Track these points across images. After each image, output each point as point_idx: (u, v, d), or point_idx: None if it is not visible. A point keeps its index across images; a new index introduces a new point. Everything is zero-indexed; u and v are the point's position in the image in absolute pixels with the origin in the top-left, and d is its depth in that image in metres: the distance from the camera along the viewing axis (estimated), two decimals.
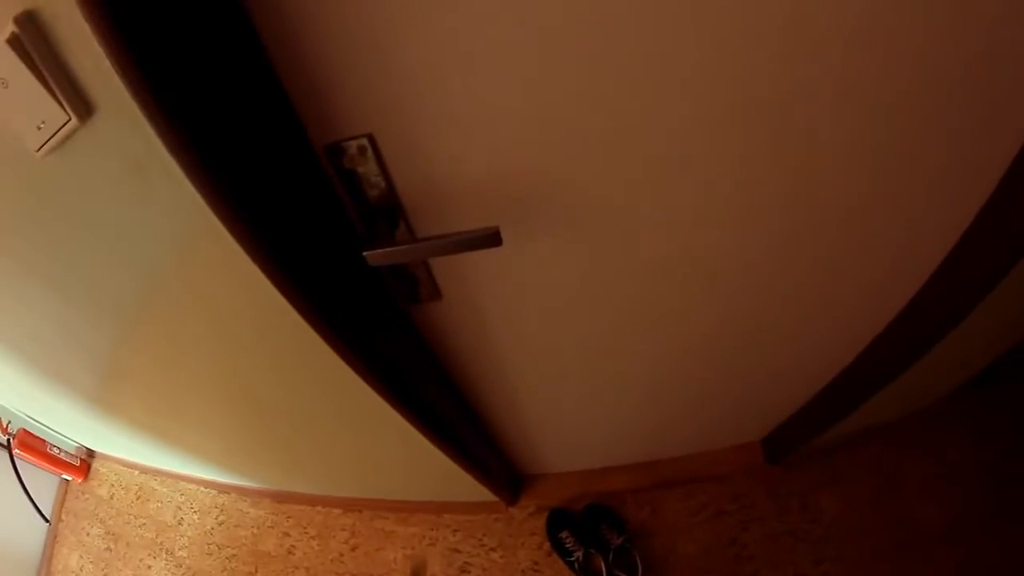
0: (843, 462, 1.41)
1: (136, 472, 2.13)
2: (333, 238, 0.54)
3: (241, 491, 1.78)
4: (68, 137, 0.44)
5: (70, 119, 0.42)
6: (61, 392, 1.33)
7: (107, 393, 1.25)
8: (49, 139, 0.44)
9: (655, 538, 1.42)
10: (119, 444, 1.89)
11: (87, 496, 2.19)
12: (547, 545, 1.42)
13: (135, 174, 0.47)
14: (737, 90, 0.46)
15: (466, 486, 1.30)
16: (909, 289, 0.79)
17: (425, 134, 0.48)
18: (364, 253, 0.51)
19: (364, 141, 0.47)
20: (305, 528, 1.67)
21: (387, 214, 0.54)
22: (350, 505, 1.58)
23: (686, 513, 1.44)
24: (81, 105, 0.42)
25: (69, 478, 2.22)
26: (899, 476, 1.36)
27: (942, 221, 0.65)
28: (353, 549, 1.58)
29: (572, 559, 1.38)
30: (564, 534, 1.40)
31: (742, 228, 0.63)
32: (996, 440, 1.36)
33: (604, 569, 1.36)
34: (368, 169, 0.49)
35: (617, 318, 0.82)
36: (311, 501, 1.65)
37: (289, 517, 1.69)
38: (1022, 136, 0.51)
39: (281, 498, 1.70)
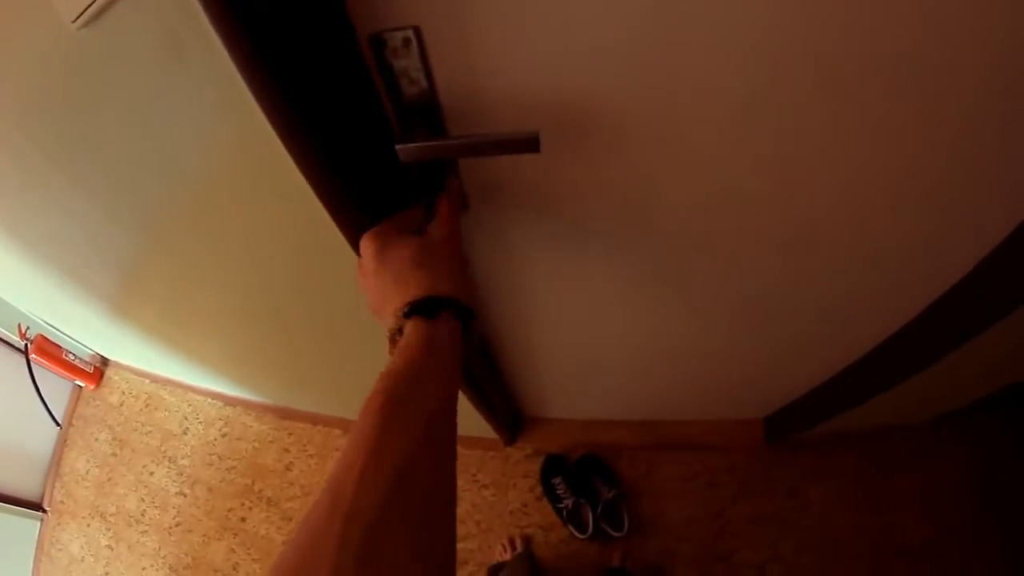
0: (838, 458, 1.42)
1: (147, 381, 2.18)
2: (370, 134, 0.52)
3: (246, 404, 1.82)
4: (105, 7, 0.42)
5: None
6: (80, 296, 1.34)
7: (125, 297, 1.26)
8: (86, 8, 0.41)
9: (645, 498, 1.44)
10: (133, 352, 1.95)
11: (98, 403, 2.26)
12: (539, 489, 1.44)
13: (172, 49, 0.45)
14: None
15: (470, 420, 1.32)
16: (938, 288, 0.77)
17: (476, 35, 0.45)
18: (396, 147, 0.49)
19: (409, 33, 0.45)
20: (304, 446, 1.71)
21: (425, 114, 0.52)
22: (351, 427, 1.61)
23: (679, 478, 1.45)
24: None
25: (82, 384, 2.28)
26: (888, 484, 1.37)
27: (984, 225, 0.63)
28: None
29: (561, 506, 1.41)
30: (557, 480, 1.42)
31: (797, 192, 0.60)
32: (989, 466, 1.34)
33: (591, 520, 1.39)
34: (410, 64, 0.47)
35: (644, 268, 0.81)
36: (313, 420, 1.68)
37: (290, 434, 1.74)
38: None
39: (284, 414, 1.74)
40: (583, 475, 1.43)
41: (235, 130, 0.53)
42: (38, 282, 1.31)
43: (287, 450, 1.72)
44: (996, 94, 0.44)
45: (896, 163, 0.54)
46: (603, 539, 1.39)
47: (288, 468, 1.71)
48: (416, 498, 0.28)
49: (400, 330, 0.38)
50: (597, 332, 1.04)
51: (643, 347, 1.10)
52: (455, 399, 0.36)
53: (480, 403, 1.18)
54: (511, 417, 1.44)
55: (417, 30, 0.45)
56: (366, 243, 0.44)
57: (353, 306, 0.73)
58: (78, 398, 2.30)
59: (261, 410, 1.81)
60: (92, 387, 2.27)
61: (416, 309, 0.38)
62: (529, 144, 0.47)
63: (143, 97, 0.53)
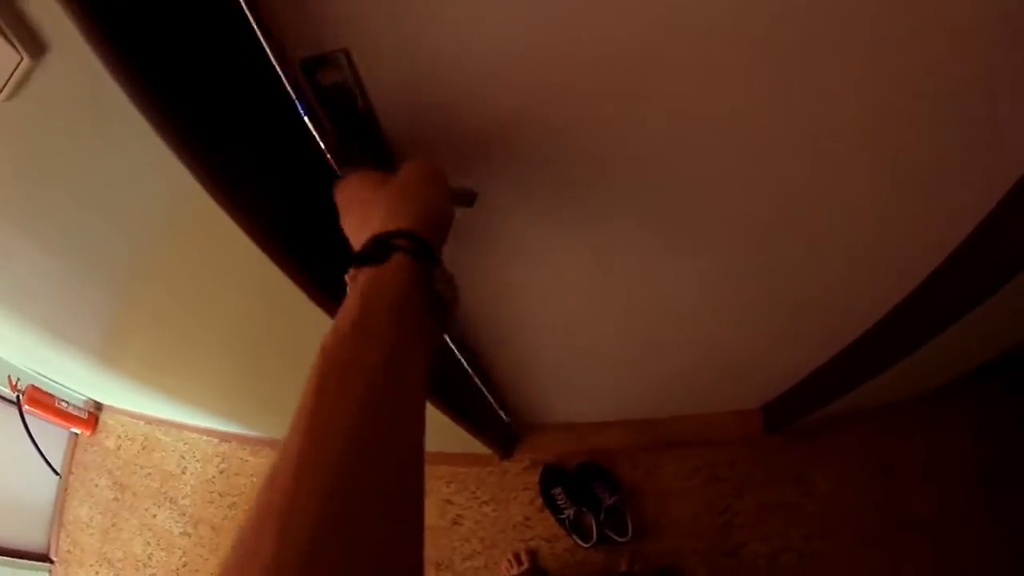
0: (841, 439, 1.40)
1: (142, 423, 2.16)
2: (304, 170, 0.51)
3: (241, 439, 1.81)
4: (24, 79, 0.42)
5: (23, 59, 0.40)
6: (64, 348, 1.33)
7: (107, 347, 1.26)
8: (6, 83, 0.42)
9: (647, 499, 1.42)
10: (124, 396, 1.93)
11: (95, 448, 2.24)
12: (539, 500, 1.43)
13: (95, 110, 0.45)
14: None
15: (461, 438, 1.30)
16: (925, 269, 0.76)
17: (407, 51, 0.43)
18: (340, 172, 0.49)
19: (340, 55, 0.43)
20: None
21: (366, 138, 0.50)
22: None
23: (681, 476, 1.43)
24: (32, 43, 0.39)
25: (78, 431, 2.25)
26: (895, 461, 1.35)
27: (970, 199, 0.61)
28: None
29: (563, 516, 1.39)
30: (557, 490, 1.40)
31: (780, 174, 0.59)
32: (992, 433, 1.34)
33: (594, 528, 1.37)
34: (345, 82, 0.45)
35: (628, 274, 0.81)
36: None
37: None
38: None
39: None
40: (583, 483, 1.41)
41: (168, 185, 0.51)
42: (21, 336, 1.30)
43: None
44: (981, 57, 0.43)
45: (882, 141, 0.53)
46: (609, 545, 1.38)
47: None
48: (363, 496, 0.22)
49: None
50: (587, 328, 1.02)
51: (632, 344, 1.09)
52: (413, 353, 0.29)
53: (470, 423, 1.17)
54: (504, 431, 1.42)
55: (347, 52, 0.43)
56: (336, 189, 0.41)
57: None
58: (75, 445, 2.28)
59: (256, 444, 1.79)
60: (88, 433, 2.25)
61: (361, 256, 0.32)
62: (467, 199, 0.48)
63: (78, 158, 0.53)
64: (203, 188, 0.43)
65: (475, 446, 1.37)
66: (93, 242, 0.70)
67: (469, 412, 1.14)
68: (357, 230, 0.36)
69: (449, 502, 1.45)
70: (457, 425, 1.13)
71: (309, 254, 0.53)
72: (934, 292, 0.78)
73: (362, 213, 0.37)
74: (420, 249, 0.32)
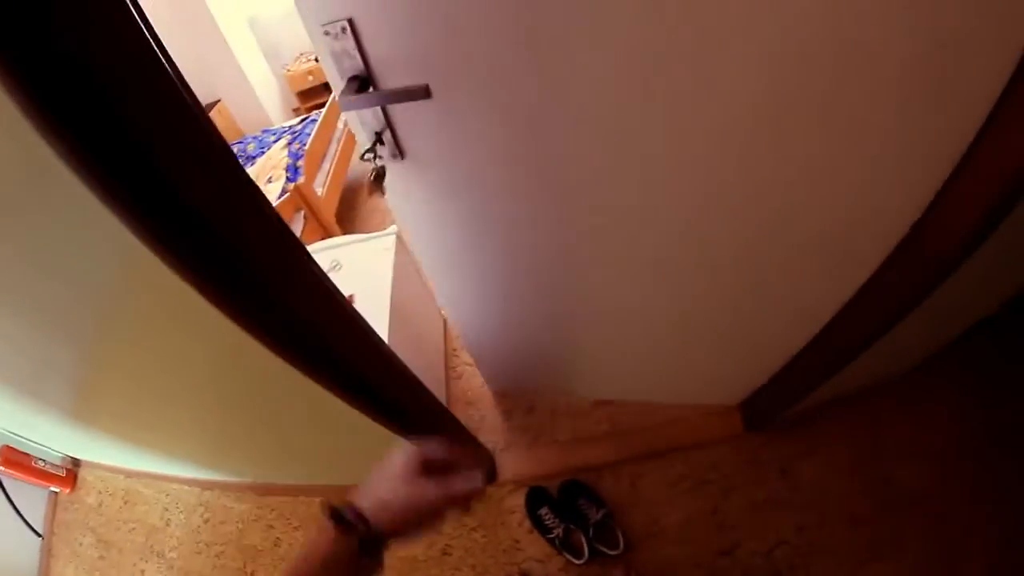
0: (822, 428, 1.41)
1: (121, 476, 2.11)
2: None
3: (224, 487, 1.77)
4: None
5: None
6: (37, 407, 1.32)
7: (80, 405, 1.24)
8: None
9: (635, 511, 1.41)
10: (102, 452, 1.88)
11: (76, 506, 2.17)
12: (528, 523, 1.41)
13: (37, 177, 0.44)
14: None
15: None
16: (887, 245, 0.77)
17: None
18: (338, 99, 0.63)
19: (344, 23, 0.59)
20: (288, 519, 1.66)
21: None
22: (331, 495, 1.57)
23: (665, 484, 1.43)
24: None
25: (57, 490, 2.18)
26: (878, 440, 1.36)
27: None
28: None
29: (552, 536, 1.38)
30: (543, 511, 1.39)
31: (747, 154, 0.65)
32: (974, 399, 1.36)
33: (585, 544, 1.36)
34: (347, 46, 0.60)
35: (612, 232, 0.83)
36: (293, 492, 1.64)
37: (272, 509, 1.69)
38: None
39: (263, 491, 1.69)
40: (568, 501, 1.40)
41: (118, 249, 0.51)
42: None
43: (271, 526, 1.67)
44: None
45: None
46: (601, 560, 1.36)
47: (276, 544, 1.66)
48: None
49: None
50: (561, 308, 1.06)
51: (610, 321, 1.12)
52: None
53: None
54: (486, 460, 1.41)
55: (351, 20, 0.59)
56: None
57: (289, 386, 0.74)
58: (56, 504, 2.21)
59: (239, 490, 1.76)
60: (67, 491, 2.18)
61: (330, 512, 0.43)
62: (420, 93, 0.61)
63: (26, 224, 0.52)
64: (152, 252, 0.44)
65: None
66: (53, 304, 0.69)
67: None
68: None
69: (437, 532, 1.42)
70: None
71: (260, 307, 0.55)
72: (887, 281, 0.79)
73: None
74: (341, 520, 0.43)
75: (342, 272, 1.40)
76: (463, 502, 0.47)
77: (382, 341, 0.84)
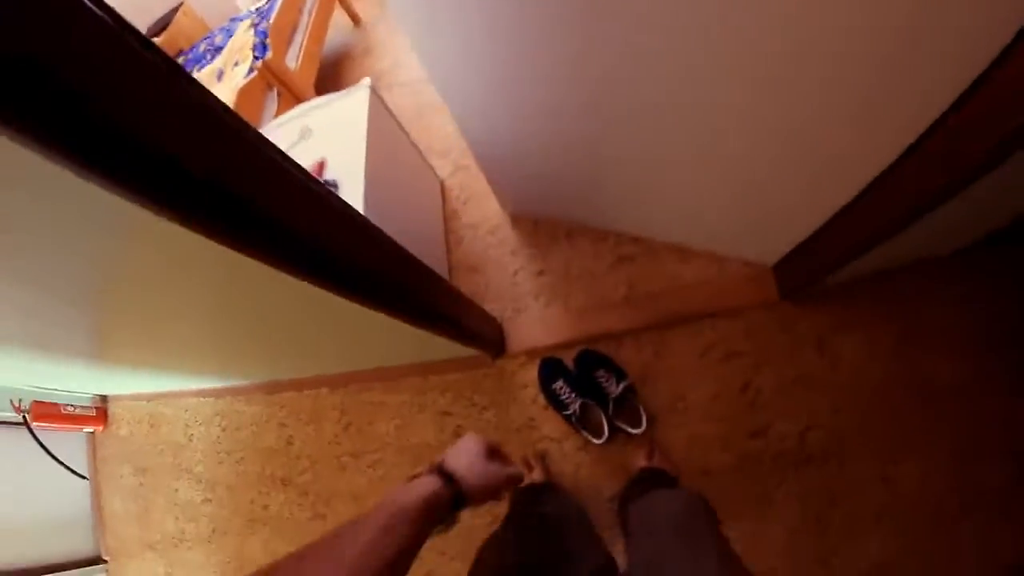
0: (863, 304, 1.27)
1: (144, 402, 2.14)
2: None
3: (235, 392, 1.75)
4: None
5: None
6: (59, 359, 1.36)
7: (94, 346, 1.27)
8: None
9: (659, 383, 1.30)
10: (125, 383, 1.92)
11: (111, 441, 2.23)
12: (542, 398, 1.32)
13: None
14: None
15: (444, 346, 1.21)
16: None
17: None
18: None
19: None
20: (299, 416, 1.62)
21: None
22: (336, 382, 1.52)
23: (693, 354, 1.30)
24: None
25: (91, 430, 2.23)
26: (920, 325, 1.23)
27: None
28: (346, 428, 1.52)
29: (569, 412, 1.27)
30: (559, 384, 1.29)
31: None
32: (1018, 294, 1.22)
33: (604, 422, 1.25)
34: None
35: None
36: (299, 386, 1.59)
37: (282, 407, 1.65)
38: None
39: (271, 389, 1.66)
40: (585, 373, 1.29)
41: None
42: (10, 360, 1.32)
43: (284, 424, 1.64)
44: None
45: None
46: (623, 439, 1.26)
47: (290, 443, 1.63)
48: None
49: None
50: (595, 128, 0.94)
51: (645, 149, 1.01)
52: (398, 544, 0.42)
53: (448, 328, 1.05)
54: (492, 330, 1.31)
55: None
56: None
57: (275, 283, 0.68)
58: (93, 444, 2.27)
59: (249, 392, 1.73)
60: (101, 429, 2.23)
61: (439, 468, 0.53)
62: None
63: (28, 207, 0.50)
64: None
65: (462, 350, 1.27)
66: (53, 270, 0.70)
67: (441, 315, 1.02)
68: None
69: (447, 413, 1.35)
70: (434, 334, 1.02)
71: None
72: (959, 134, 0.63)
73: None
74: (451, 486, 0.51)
75: (313, 139, 1.29)
76: (512, 484, 0.59)
77: (352, 210, 0.72)
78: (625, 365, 1.29)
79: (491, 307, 1.36)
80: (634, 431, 1.24)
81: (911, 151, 0.75)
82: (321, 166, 1.24)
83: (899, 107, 0.70)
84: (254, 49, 1.75)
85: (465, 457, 0.55)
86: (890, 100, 0.69)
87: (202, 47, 2.16)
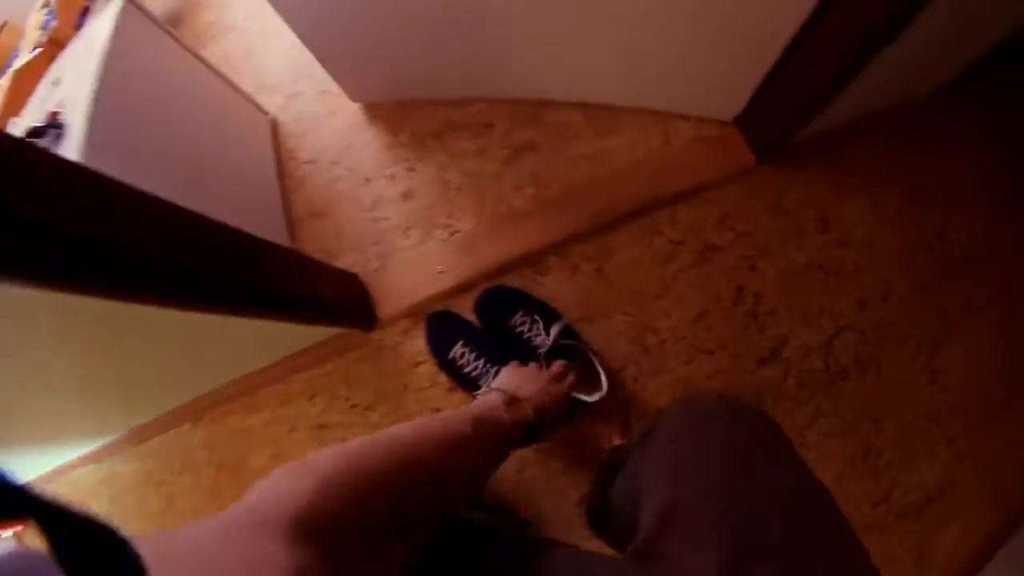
0: (854, 161, 0.95)
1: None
2: None
3: (109, 450, 1.38)
4: None
5: None
6: None
7: None
8: None
9: (612, 317, 0.87)
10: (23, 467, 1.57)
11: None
12: (444, 377, 0.89)
13: None
14: None
15: (295, 333, 0.81)
16: None
17: None
18: None
19: None
20: (171, 467, 1.23)
21: None
22: (193, 414, 1.13)
23: (653, 263, 0.87)
24: None
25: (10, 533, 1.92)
26: (924, 181, 0.96)
27: None
28: (219, 470, 1.13)
29: (481, 388, 0.84)
30: (457, 350, 0.85)
31: None
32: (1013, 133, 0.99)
33: None
34: None
35: None
36: (162, 426, 1.21)
37: (154, 457, 1.26)
38: None
39: (138, 437, 1.28)
40: (495, 324, 0.86)
41: None
42: None
43: (162, 482, 1.25)
44: None
45: None
46: (579, 410, 0.82)
47: (171, 502, 1.24)
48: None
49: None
50: None
51: None
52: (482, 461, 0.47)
53: (299, 313, 0.69)
54: (352, 294, 0.88)
55: None
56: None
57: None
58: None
59: (122, 447, 1.35)
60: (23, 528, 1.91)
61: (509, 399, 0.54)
62: None
63: None
64: None
65: (316, 332, 0.86)
66: None
67: (275, 297, 0.65)
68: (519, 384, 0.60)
69: (322, 426, 0.93)
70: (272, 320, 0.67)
71: None
72: None
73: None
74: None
75: (61, 87, 0.91)
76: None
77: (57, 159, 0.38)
78: (554, 299, 0.86)
79: (348, 261, 0.93)
80: (591, 398, 0.81)
81: None
82: (55, 115, 0.87)
83: None
84: (42, 28, 1.41)
85: (532, 385, 0.60)
86: None
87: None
